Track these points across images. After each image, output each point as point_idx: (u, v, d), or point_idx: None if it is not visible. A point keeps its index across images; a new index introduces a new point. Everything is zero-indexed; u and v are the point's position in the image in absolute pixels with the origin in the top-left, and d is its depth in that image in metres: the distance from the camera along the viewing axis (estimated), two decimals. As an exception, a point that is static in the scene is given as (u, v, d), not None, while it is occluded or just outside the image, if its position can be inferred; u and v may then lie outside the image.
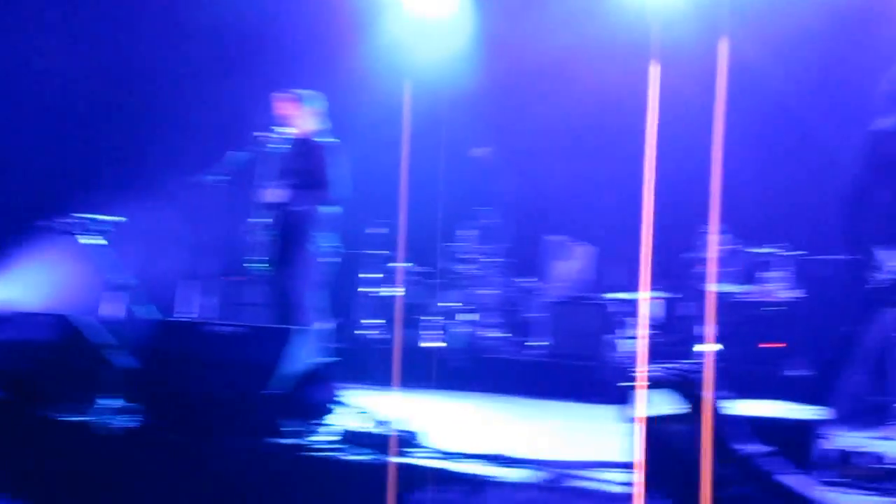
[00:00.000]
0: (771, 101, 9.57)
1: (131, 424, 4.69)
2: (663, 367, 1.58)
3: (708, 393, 1.62)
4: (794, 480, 1.52)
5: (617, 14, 10.55)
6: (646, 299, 9.75)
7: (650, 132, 7.87)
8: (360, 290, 10.10)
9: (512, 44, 10.97)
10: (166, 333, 5.07)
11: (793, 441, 2.66)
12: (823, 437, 4.39)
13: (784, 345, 8.01)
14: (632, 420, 1.63)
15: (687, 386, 1.60)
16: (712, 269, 9.37)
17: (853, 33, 9.20)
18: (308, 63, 10.67)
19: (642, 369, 1.66)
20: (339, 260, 6.39)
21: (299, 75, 9.25)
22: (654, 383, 1.61)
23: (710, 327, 8.89)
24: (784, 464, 2.11)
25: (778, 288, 8.63)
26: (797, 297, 8.53)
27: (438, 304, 9.70)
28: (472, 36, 11.57)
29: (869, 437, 5.43)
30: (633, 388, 1.63)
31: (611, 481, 3.70)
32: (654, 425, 1.67)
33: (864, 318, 4.72)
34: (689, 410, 1.60)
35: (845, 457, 4.00)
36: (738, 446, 1.59)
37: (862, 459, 3.96)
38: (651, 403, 1.60)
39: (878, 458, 3.96)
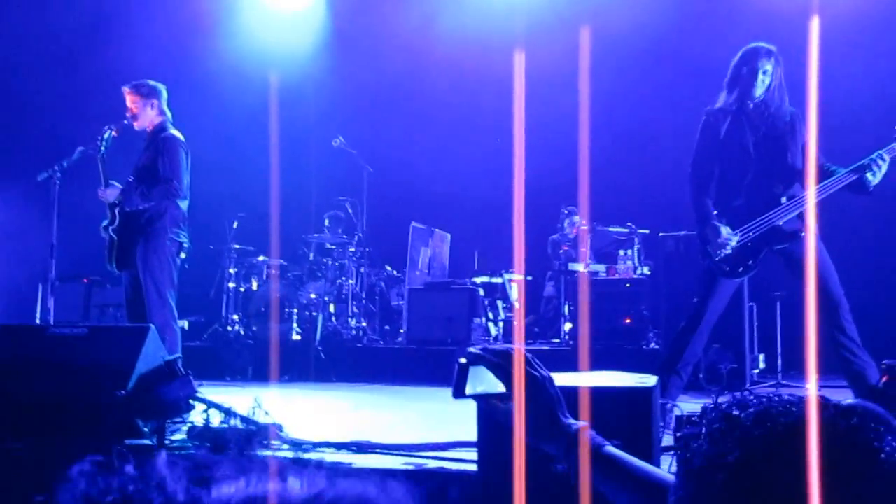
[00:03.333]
0: (627, 84, 9.88)
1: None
2: (483, 346, 1.63)
3: (536, 370, 1.67)
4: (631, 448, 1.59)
5: (480, 2, 10.73)
6: (514, 281, 9.97)
7: (517, 119, 8.07)
8: (223, 285, 9.93)
9: (371, 34, 11.00)
10: (4, 339, 4.87)
11: (634, 410, 2.76)
12: (667, 405, 4.61)
13: (629, 320, 8.31)
14: (457, 398, 1.68)
15: (505, 363, 1.64)
16: (580, 249, 9.64)
17: (709, 19, 9.59)
18: (168, 55, 10.43)
19: (470, 349, 1.70)
20: (185, 256, 6.23)
21: (158, 68, 9.05)
22: (474, 361, 1.65)
23: (573, 305, 9.16)
24: (624, 432, 2.20)
25: (633, 265, 8.94)
26: (650, 274, 8.86)
27: (302, 295, 9.64)
28: (331, 28, 11.58)
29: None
30: (461, 367, 1.66)
31: (462, 460, 3.82)
32: (481, 403, 1.71)
33: (705, 291, 4.96)
34: (509, 388, 1.64)
35: (689, 421, 4.19)
36: (569, 421, 1.64)
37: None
38: (477, 382, 1.64)
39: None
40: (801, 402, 1.07)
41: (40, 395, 4.48)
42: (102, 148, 6.05)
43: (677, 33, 9.88)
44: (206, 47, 10.98)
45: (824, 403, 1.07)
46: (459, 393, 1.67)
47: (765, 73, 4.88)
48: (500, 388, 1.64)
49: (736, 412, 1.09)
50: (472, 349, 1.68)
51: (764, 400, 1.09)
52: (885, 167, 4.72)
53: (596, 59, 9.06)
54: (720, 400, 1.15)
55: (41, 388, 4.50)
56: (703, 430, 1.11)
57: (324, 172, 11.48)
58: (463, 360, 1.67)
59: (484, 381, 1.66)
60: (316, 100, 11.48)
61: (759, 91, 4.89)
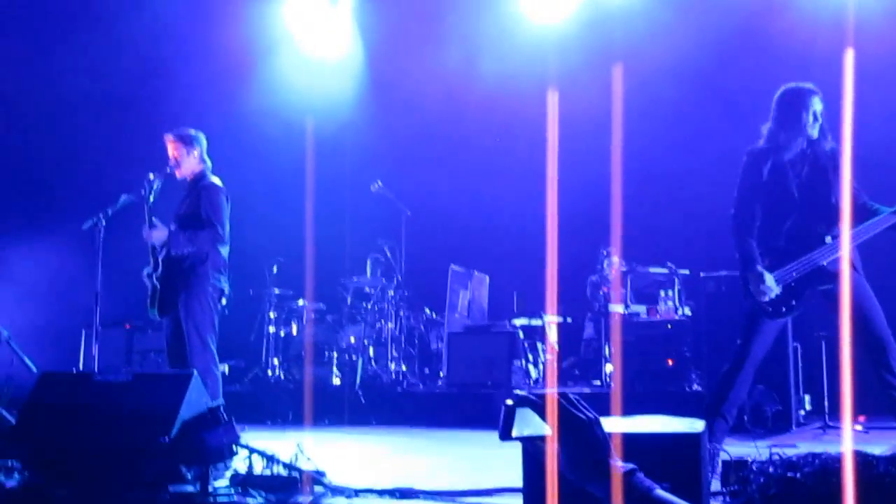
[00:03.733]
0: (662, 123, 9.88)
1: (15, 484, 4.54)
2: (530, 390, 1.65)
3: (581, 413, 1.67)
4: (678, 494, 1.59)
5: (512, 43, 10.82)
6: (552, 323, 9.92)
7: (551, 159, 8.10)
8: (264, 329, 9.99)
9: (407, 79, 11.10)
10: (51, 386, 4.92)
11: (680, 455, 2.72)
12: (715, 450, 4.54)
13: (671, 362, 8.23)
14: (504, 440, 1.69)
15: (551, 407, 1.65)
16: (615, 290, 9.57)
17: (744, 58, 9.58)
18: (208, 102, 10.61)
19: (516, 391, 1.71)
20: (226, 301, 6.27)
21: (196, 115, 9.20)
22: (520, 404, 1.67)
23: (613, 347, 9.08)
24: (673, 478, 2.17)
25: (674, 306, 8.86)
26: (691, 315, 8.78)
27: (342, 339, 9.66)
28: (368, 73, 11.73)
29: (760, 447, 5.62)
30: (508, 409, 1.68)
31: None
32: (527, 446, 1.72)
33: (749, 332, 4.90)
34: (558, 430, 1.64)
35: (737, 467, 4.12)
36: (618, 464, 1.64)
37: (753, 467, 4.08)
38: (524, 425, 1.65)
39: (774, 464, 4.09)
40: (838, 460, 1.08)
41: (85, 441, 4.51)
42: (151, 197, 6.11)
43: (712, 70, 9.87)
44: (245, 94, 11.15)
45: (867, 460, 1.07)
46: (506, 435, 1.68)
47: (814, 115, 4.86)
48: (546, 430, 1.65)
49: (791, 474, 1.09)
50: (518, 392, 1.68)
51: (813, 460, 1.10)
52: None
53: (630, 97, 9.11)
54: (756, 459, 1.16)
55: (86, 435, 4.53)
56: (756, 495, 1.11)
57: (362, 216, 11.55)
58: (509, 403, 1.67)
59: (530, 423, 1.66)
60: (354, 145, 11.60)
61: (809, 132, 4.87)
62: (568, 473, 1.65)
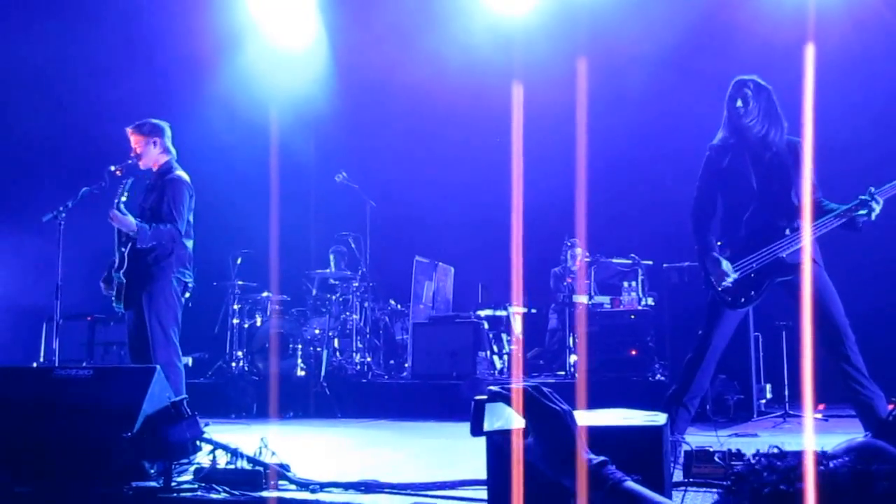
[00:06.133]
0: (626, 116, 9.93)
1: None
2: (500, 382, 1.68)
3: (555, 404, 1.69)
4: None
5: (477, 35, 10.82)
6: (517, 314, 9.96)
7: (516, 151, 8.12)
8: (228, 321, 9.93)
9: (372, 70, 11.07)
10: (10, 382, 4.86)
11: (645, 449, 2.75)
12: (677, 440, 4.59)
13: (635, 352, 8.31)
14: (475, 435, 1.71)
15: (525, 400, 1.67)
16: (580, 281, 9.63)
17: (709, 50, 9.65)
18: (170, 93, 10.52)
19: (490, 387, 1.73)
20: (189, 294, 6.22)
21: (160, 105, 9.11)
22: (491, 399, 1.69)
23: (578, 338, 9.14)
24: (635, 471, 2.19)
25: (637, 297, 8.93)
26: (654, 305, 8.86)
27: (306, 331, 9.62)
28: (333, 64, 11.68)
29: (721, 436, 5.70)
30: (478, 404, 1.70)
31: (471, 499, 3.81)
32: (497, 440, 1.74)
33: (710, 322, 4.96)
34: (530, 422, 1.67)
35: (699, 456, 4.17)
36: (588, 456, 1.66)
37: (716, 458, 4.13)
38: (495, 418, 1.68)
39: (736, 454, 4.14)
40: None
41: (46, 437, 4.46)
42: (125, 195, 5.99)
43: (676, 64, 9.94)
44: (210, 84, 11.07)
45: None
46: (477, 430, 1.69)
47: (744, 98, 4.90)
48: (518, 423, 1.66)
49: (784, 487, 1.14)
50: (491, 387, 1.70)
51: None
52: (878, 208, 4.75)
53: (594, 91, 9.15)
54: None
55: (47, 431, 4.48)
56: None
57: (326, 208, 11.53)
58: (480, 398, 1.69)
59: (501, 417, 1.68)
60: (318, 136, 11.56)
61: (745, 119, 4.92)
62: (540, 465, 1.66)
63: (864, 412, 4.69)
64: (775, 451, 1.19)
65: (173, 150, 6.31)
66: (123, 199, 5.94)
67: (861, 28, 9.04)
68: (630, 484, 1.58)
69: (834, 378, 4.76)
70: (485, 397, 1.70)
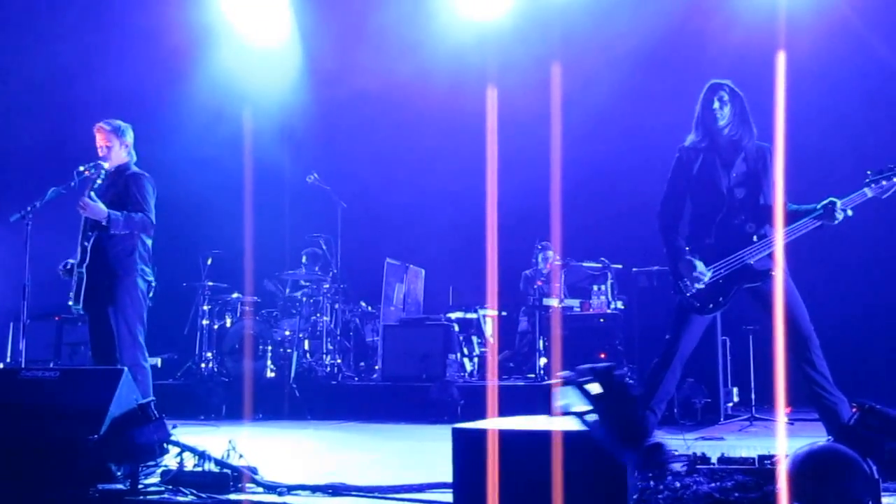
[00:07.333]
0: (598, 120, 9.99)
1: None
2: (579, 369, 1.85)
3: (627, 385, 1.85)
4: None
5: (451, 38, 10.84)
6: (488, 317, 9.99)
7: (490, 154, 8.15)
8: (197, 322, 9.88)
9: (345, 71, 11.06)
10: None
11: (605, 452, 2.77)
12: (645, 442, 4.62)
13: (604, 355, 8.36)
14: (552, 416, 1.90)
15: (606, 378, 1.80)
16: (552, 284, 9.67)
17: (682, 56, 9.72)
18: (141, 92, 10.44)
19: (561, 373, 1.90)
20: (152, 293, 6.16)
21: (132, 104, 9.04)
22: (566, 383, 1.83)
23: (548, 341, 9.18)
24: (600, 475, 2.27)
25: (607, 300, 8.98)
26: (624, 308, 8.91)
27: (277, 333, 9.58)
28: (305, 64, 11.65)
29: (689, 439, 5.74)
30: (557, 386, 1.85)
31: (438, 502, 3.82)
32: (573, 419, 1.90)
33: (678, 327, 4.99)
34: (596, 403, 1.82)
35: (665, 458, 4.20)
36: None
37: (681, 460, 4.16)
38: (568, 400, 1.84)
39: (702, 458, 4.17)
40: None
41: (11, 439, 4.43)
42: (99, 179, 5.94)
43: (649, 69, 10.00)
44: (180, 82, 11.00)
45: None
46: (554, 411, 1.93)
47: (720, 101, 4.94)
48: (586, 406, 1.90)
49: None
50: (563, 373, 1.88)
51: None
52: (842, 217, 4.80)
53: (568, 95, 9.19)
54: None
55: (12, 433, 4.45)
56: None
57: (298, 209, 11.49)
58: (559, 381, 1.87)
59: (573, 399, 1.91)
60: (290, 136, 11.52)
61: (720, 122, 4.96)
62: (606, 441, 1.80)
63: (827, 417, 4.74)
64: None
65: (134, 154, 6.29)
66: (95, 185, 5.88)
67: (830, 35, 9.15)
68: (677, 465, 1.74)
69: (800, 382, 4.81)
70: (560, 381, 1.92)
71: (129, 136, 6.22)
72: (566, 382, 1.89)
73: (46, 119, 10.55)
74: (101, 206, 5.86)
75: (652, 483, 3.70)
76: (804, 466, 1.80)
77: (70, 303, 5.98)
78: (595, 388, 1.82)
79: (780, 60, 5.04)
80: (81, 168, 6.02)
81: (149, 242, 6.14)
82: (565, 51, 9.56)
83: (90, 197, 5.85)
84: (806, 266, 5.59)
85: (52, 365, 8.96)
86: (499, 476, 2.38)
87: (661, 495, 1.25)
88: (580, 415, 1.87)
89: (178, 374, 9.78)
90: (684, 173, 5.06)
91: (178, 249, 7.42)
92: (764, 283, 4.82)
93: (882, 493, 2.99)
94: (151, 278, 6.12)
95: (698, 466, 4.13)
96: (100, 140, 6.18)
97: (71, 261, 6.04)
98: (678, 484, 1.31)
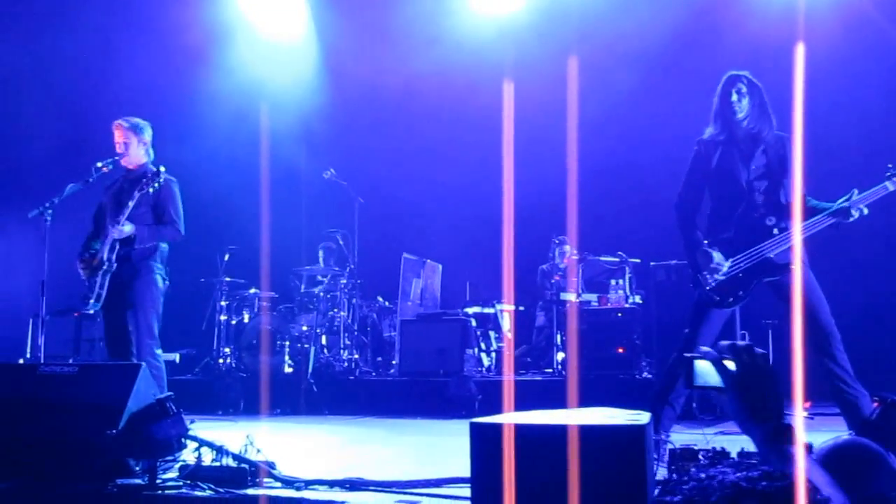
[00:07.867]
0: (616, 114, 9.94)
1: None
2: (720, 346, 1.93)
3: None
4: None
5: (468, 32, 10.82)
6: (506, 311, 9.97)
7: (506, 149, 8.11)
8: (215, 318, 9.90)
9: (362, 66, 11.05)
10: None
11: (627, 448, 2.75)
12: (661, 438, 4.60)
13: (622, 350, 8.31)
14: (688, 389, 1.96)
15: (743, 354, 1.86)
16: (570, 279, 9.64)
17: (699, 49, 9.66)
18: (160, 87, 10.48)
19: (702, 347, 1.95)
20: (165, 291, 6.19)
21: (149, 101, 9.06)
22: (701, 358, 1.90)
23: (565, 335, 9.15)
24: (617, 471, 2.25)
25: (625, 295, 8.94)
26: (642, 303, 8.86)
27: (294, 328, 9.60)
28: (322, 60, 11.66)
29: (708, 434, 5.71)
30: (688, 361, 1.92)
31: (456, 497, 3.81)
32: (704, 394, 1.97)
33: (696, 321, 4.96)
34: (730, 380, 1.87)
35: (683, 455, 4.17)
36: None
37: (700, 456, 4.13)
38: (702, 376, 1.92)
39: (721, 453, 4.14)
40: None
41: (30, 434, 4.44)
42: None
43: (666, 62, 9.95)
44: (198, 79, 11.02)
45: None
46: (689, 384, 1.98)
47: (738, 93, 4.90)
48: (721, 382, 1.92)
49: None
50: (703, 347, 1.96)
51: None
52: (857, 215, 4.76)
53: (584, 89, 9.15)
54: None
55: (31, 428, 4.46)
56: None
57: (315, 204, 11.50)
58: (693, 356, 1.96)
59: (708, 375, 1.94)
60: (307, 132, 11.53)
61: (739, 115, 4.92)
62: (738, 418, 1.88)
63: (848, 411, 4.71)
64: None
65: (152, 153, 6.30)
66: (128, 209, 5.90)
67: (849, 28, 9.07)
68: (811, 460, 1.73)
69: (820, 376, 4.77)
70: (694, 357, 1.96)
71: (148, 134, 6.24)
72: (705, 358, 1.96)
73: (65, 116, 10.60)
74: (127, 227, 5.89)
75: (675, 475, 3.70)
76: (828, 460, 1.78)
77: (91, 300, 5.99)
78: (732, 364, 1.87)
79: (800, 53, 4.97)
80: (99, 164, 6.07)
81: (167, 242, 6.18)
82: (581, 45, 9.50)
83: (119, 222, 5.89)
84: (828, 258, 5.54)
85: (70, 361, 8.99)
86: (516, 470, 2.36)
87: (687, 486, 1.24)
88: (716, 389, 1.90)
89: (196, 370, 9.81)
90: (702, 166, 5.02)
91: (196, 246, 7.41)
92: (784, 277, 4.78)
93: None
94: (166, 277, 6.16)
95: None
96: (118, 137, 6.20)
97: (94, 248, 6.04)
98: (703, 475, 1.30)
